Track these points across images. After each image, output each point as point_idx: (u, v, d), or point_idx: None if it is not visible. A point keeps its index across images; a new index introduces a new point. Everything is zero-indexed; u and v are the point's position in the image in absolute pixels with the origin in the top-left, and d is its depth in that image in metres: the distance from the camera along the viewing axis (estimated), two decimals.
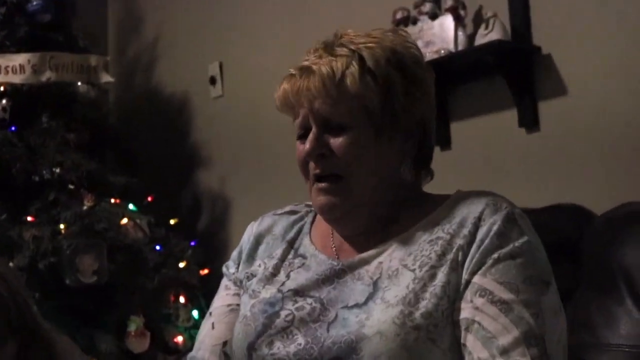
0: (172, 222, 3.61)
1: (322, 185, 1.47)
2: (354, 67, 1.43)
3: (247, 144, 3.66)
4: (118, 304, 3.20)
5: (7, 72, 3.46)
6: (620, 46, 2.55)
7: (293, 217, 1.64)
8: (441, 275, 1.37)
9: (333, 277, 1.47)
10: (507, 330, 1.31)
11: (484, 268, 1.35)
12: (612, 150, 2.55)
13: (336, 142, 1.44)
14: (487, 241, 1.36)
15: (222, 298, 1.65)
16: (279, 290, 1.51)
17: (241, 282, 1.61)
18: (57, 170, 3.37)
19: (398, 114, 1.45)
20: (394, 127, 1.46)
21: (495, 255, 1.35)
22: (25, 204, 3.33)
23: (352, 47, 1.46)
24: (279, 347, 1.43)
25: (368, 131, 1.44)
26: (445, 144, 2.98)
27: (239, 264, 1.65)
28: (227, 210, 3.89)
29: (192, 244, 3.57)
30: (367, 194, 1.47)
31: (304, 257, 1.55)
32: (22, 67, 3.48)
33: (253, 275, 1.58)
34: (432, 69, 1.56)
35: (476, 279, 1.35)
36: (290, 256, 1.57)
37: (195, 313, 3.40)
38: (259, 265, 1.59)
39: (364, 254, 1.47)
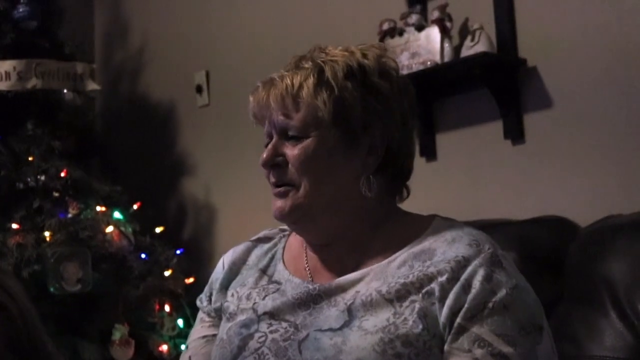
0: (157, 230, 3.60)
1: (277, 190, 1.50)
2: (311, 79, 1.45)
3: (233, 153, 3.65)
4: (102, 313, 3.19)
5: None
6: (605, 59, 2.56)
7: (267, 245, 1.64)
8: (419, 307, 1.36)
9: (309, 301, 1.46)
10: None
11: (479, 316, 1.34)
12: (597, 163, 2.56)
13: (291, 152, 1.47)
14: (477, 286, 1.34)
15: (198, 331, 1.65)
16: (254, 311, 1.50)
17: (216, 312, 1.62)
18: (42, 178, 3.35)
19: (355, 128, 1.45)
20: (352, 140, 1.46)
21: (490, 305, 1.33)
22: (9, 211, 3.31)
23: (319, 60, 1.48)
24: None
25: (322, 142, 1.45)
26: (431, 155, 2.99)
27: (211, 295, 1.65)
28: (213, 218, 3.88)
29: (178, 252, 3.56)
30: (321, 203, 1.46)
31: (278, 282, 1.54)
32: (7, 74, 3.46)
33: (229, 303, 1.58)
34: (411, 85, 1.56)
35: (473, 327, 1.33)
36: (264, 282, 1.56)
37: (180, 322, 3.39)
38: (232, 295, 1.58)
39: (341, 280, 1.46)
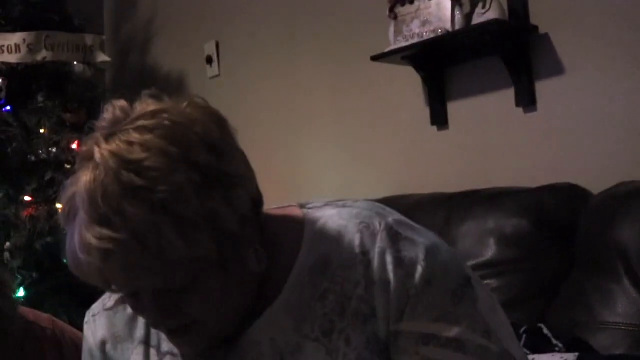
0: None
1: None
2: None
3: (243, 124, 3.64)
4: None
5: (2, 52, 3.45)
6: (618, 25, 2.54)
7: (129, 308, 1.26)
8: (356, 336, 1.17)
9: None
10: None
11: (408, 311, 1.16)
12: (609, 129, 2.55)
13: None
14: (391, 278, 1.16)
15: None
16: None
17: None
18: (53, 150, 3.36)
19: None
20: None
21: (413, 291, 1.15)
22: (21, 184, 3.33)
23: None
24: None
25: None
26: (442, 123, 2.98)
27: None
28: None
29: None
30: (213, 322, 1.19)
31: (172, 354, 1.27)
32: (17, 46, 3.46)
33: None
34: (226, 124, 1.20)
35: (407, 326, 1.16)
36: (154, 357, 1.28)
37: None
38: None
39: (250, 333, 1.21)
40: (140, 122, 1.10)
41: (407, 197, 2.75)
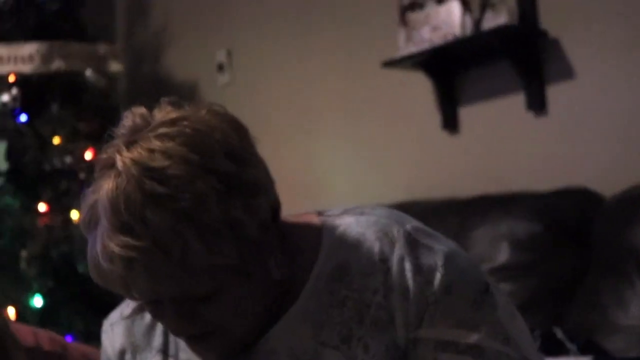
0: None
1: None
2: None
3: (254, 131, 3.65)
4: None
5: (16, 62, 3.48)
6: (627, 29, 2.55)
7: (147, 317, 1.29)
8: (374, 343, 1.17)
9: None
10: None
11: (427, 318, 1.15)
12: (620, 132, 2.55)
13: None
14: (410, 285, 1.15)
15: None
16: None
17: None
18: (68, 160, 3.38)
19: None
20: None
21: (432, 298, 1.15)
22: (36, 193, 3.35)
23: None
24: None
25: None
26: (453, 128, 2.99)
27: None
28: None
29: None
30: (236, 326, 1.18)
31: None
32: (31, 56, 3.49)
33: None
34: (246, 132, 1.18)
35: (426, 333, 1.16)
36: None
37: None
38: None
39: (267, 341, 1.21)
40: (161, 130, 1.10)
41: (420, 203, 2.75)
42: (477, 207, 2.54)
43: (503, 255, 2.35)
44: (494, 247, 2.37)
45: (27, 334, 1.71)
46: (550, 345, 1.94)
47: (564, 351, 1.93)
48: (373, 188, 3.22)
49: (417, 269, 1.16)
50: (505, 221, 2.40)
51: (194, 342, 1.19)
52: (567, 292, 2.25)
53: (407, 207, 2.34)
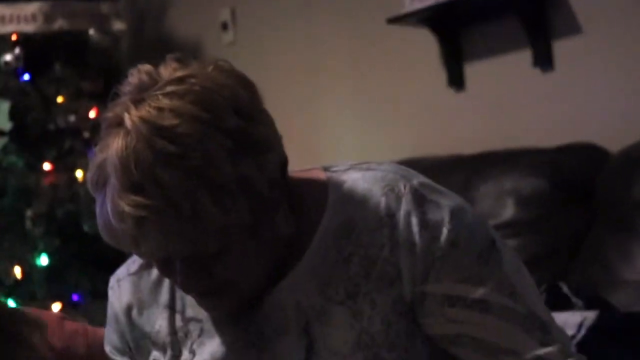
0: None
1: None
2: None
3: (260, 90, 3.64)
4: None
5: (19, 21, 3.46)
6: None
7: (154, 273, 1.28)
8: (381, 298, 1.17)
9: (252, 335, 1.22)
10: (500, 329, 1.17)
11: (433, 273, 1.16)
12: (627, 88, 2.54)
13: None
14: (417, 240, 1.16)
15: None
16: None
17: None
18: (72, 119, 3.38)
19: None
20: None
21: (438, 254, 1.15)
22: (41, 152, 3.35)
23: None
24: None
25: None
26: (459, 85, 2.97)
27: (126, 353, 1.33)
28: None
29: None
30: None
31: (197, 320, 1.25)
32: (33, 15, 3.47)
33: None
34: (254, 88, 1.19)
35: (432, 288, 1.16)
36: (179, 324, 1.26)
37: None
38: (153, 355, 1.29)
39: (274, 296, 1.21)
40: (170, 88, 1.10)
41: (425, 160, 2.75)
42: (482, 163, 2.54)
43: (509, 211, 2.36)
44: (500, 204, 2.37)
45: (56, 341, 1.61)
46: (556, 300, 1.94)
47: (570, 306, 1.94)
48: (379, 145, 3.21)
49: (424, 224, 1.16)
50: (511, 177, 2.40)
51: (202, 298, 1.19)
52: (573, 248, 2.25)
53: (413, 164, 2.31)
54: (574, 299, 1.93)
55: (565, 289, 1.96)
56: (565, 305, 1.93)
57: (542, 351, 1.17)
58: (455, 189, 1.26)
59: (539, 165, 2.37)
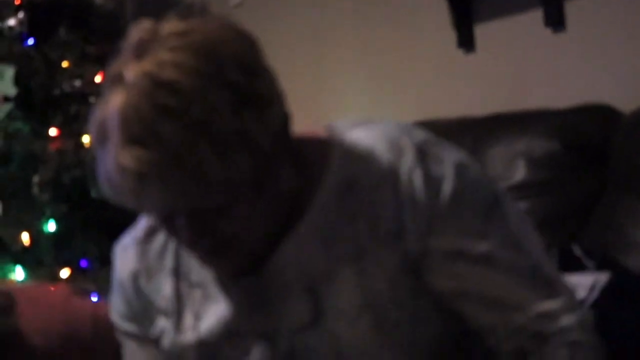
0: None
1: None
2: None
3: (267, 52, 3.62)
4: None
5: None
6: None
7: (159, 239, 1.29)
8: (386, 256, 1.17)
9: (256, 298, 1.22)
10: (504, 284, 1.16)
11: (436, 228, 1.16)
12: None
13: None
14: (420, 196, 1.15)
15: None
16: (202, 344, 1.24)
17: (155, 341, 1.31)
18: (78, 84, 3.36)
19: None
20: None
21: (441, 208, 1.15)
22: (46, 118, 3.34)
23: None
24: None
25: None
26: (469, 46, 2.94)
27: (134, 320, 1.33)
28: None
29: None
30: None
31: (202, 284, 1.25)
32: None
33: (163, 334, 1.29)
34: (255, 43, 1.19)
35: (435, 243, 1.16)
36: (184, 289, 1.27)
37: None
38: (161, 327, 1.29)
39: (277, 257, 1.21)
40: (170, 42, 1.09)
41: (434, 122, 2.73)
42: (493, 125, 2.52)
43: (520, 173, 2.34)
44: (511, 166, 2.35)
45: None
46: (568, 262, 1.93)
47: (582, 268, 1.92)
48: (388, 107, 3.21)
49: (427, 179, 1.16)
50: (522, 139, 2.38)
51: (206, 257, 1.19)
52: (585, 210, 2.24)
53: (422, 127, 2.31)
54: (587, 261, 1.92)
55: (577, 251, 1.95)
56: (577, 267, 1.92)
57: (547, 305, 1.17)
58: (465, 152, 1.25)
59: (551, 127, 2.35)
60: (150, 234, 1.30)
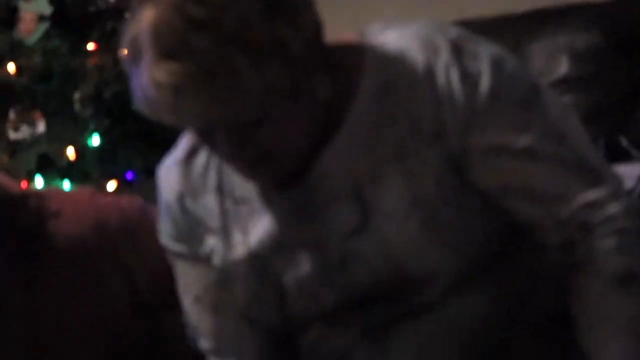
0: None
1: None
2: None
3: None
4: None
5: None
6: None
7: (200, 158, 1.28)
8: (430, 155, 1.16)
9: (302, 208, 1.21)
10: (548, 175, 1.15)
11: (476, 125, 1.14)
12: None
13: None
14: (458, 94, 1.14)
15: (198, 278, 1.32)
16: (253, 257, 1.24)
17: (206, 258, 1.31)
18: (112, 0, 3.35)
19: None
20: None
21: (480, 105, 1.14)
22: (83, 34, 3.33)
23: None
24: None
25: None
26: None
27: (183, 240, 1.32)
28: None
29: None
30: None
31: (246, 199, 1.24)
32: None
33: (213, 252, 1.29)
34: None
35: (478, 140, 1.15)
36: (229, 205, 1.26)
37: None
38: (210, 245, 1.29)
39: (321, 164, 1.20)
40: None
41: (474, 21, 2.70)
42: (533, 21, 2.49)
43: (563, 68, 2.32)
44: (553, 60, 2.34)
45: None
46: (615, 153, 1.93)
47: (629, 158, 1.92)
48: (423, 8, 3.16)
49: (464, 76, 1.14)
50: (564, 33, 2.35)
51: (248, 170, 1.19)
52: (630, 102, 2.22)
53: (460, 26, 2.28)
54: (634, 152, 1.91)
55: (624, 142, 1.94)
56: (624, 158, 1.91)
57: (592, 194, 1.16)
58: (506, 50, 1.23)
59: (593, 20, 2.32)
60: (191, 153, 1.28)
